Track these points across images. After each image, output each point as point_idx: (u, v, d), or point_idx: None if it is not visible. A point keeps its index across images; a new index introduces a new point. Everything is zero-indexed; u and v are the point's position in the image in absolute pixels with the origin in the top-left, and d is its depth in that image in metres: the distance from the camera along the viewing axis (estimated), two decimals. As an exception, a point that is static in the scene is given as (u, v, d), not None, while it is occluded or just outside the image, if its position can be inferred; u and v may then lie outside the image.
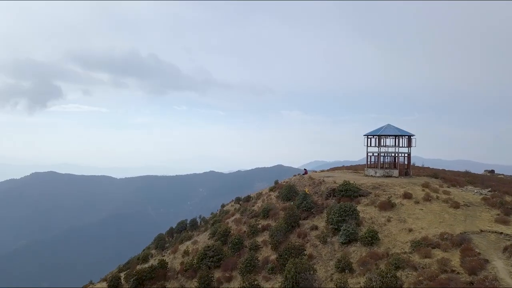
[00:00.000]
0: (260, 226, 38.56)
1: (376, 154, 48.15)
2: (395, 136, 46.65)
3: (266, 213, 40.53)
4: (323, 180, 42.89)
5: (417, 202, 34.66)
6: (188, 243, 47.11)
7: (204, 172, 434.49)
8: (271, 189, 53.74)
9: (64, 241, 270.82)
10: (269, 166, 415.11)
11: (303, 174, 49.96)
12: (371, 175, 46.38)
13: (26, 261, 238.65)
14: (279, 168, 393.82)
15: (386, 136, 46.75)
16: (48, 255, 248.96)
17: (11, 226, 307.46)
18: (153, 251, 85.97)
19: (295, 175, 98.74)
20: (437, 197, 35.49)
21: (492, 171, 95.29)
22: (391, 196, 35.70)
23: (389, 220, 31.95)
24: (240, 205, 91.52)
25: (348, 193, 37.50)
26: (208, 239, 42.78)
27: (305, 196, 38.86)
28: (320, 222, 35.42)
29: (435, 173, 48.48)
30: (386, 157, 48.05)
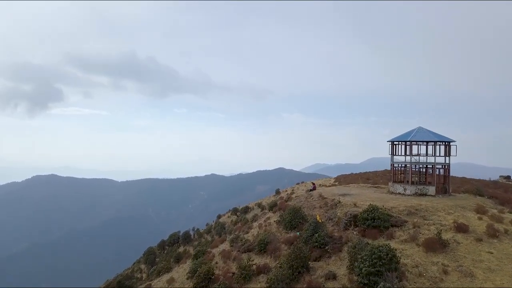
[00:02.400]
0: (254, 266, 27.24)
1: (404, 165, 36.88)
2: (429, 142, 35.34)
3: (263, 246, 29.21)
4: (339, 201, 31.52)
5: (479, 240, 23.34)
6: (165, 279, 35.89)
7: (206, 175, 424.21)
8: (271, 208, 42.60)
9: (65, 244, 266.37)
10: (270, 169, 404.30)
11: (311, 190, 38.55)
12: (399, 193, 35.06)
13: (27, 264, 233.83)
14: (281, 171, 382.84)
15: (418, 142, 35.44)
16: (49, 258, 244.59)
17: (12, 229, 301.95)
18: (142, 266, 75.61)
19: (298, 183, 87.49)
20: (506, 231, 24.19)
21: (508, 177, 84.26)
22: (440, 230, 24.34)
23: (445, 272, 20.60)
24: (238, 216, 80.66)
25: (377, 222, 26.18)
26: (187, 279, 31.55)
27: (316, 225, 27.56)
28: (339, 266, 24.07)
29: (478, 189, 37.09)
30: (417, 169, 36.77)
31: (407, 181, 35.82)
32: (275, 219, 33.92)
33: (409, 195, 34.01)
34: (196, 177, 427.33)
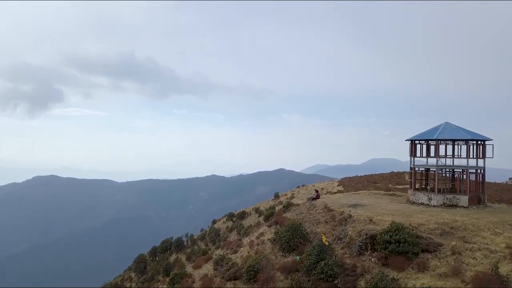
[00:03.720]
0: (240, 303, 20.33)
1: (426, 168, 29.87)
2: (458, 141, 28.35)
3: (253, 274, 22.21)
4: (350, 215, 24.49)
5: (551, 276, 16.36)
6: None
7: (206, 176, 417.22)
8: (266, 218, 35.53)
9: (65, 245, 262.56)
10: (271, 169, 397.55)
11: (313, 198, 31.47)
12: (422, 203, 28.03)
13: (27, 264, 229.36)
14: (281, 172, 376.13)
15: (444, 141, 28.45)
16: (49, 259, 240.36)
17: (12, 229, 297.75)
18: (132, 274, 70.63)
19: (298, 187, 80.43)
20: None
21: (518, 179, 77.74)
22: (496, 261, 17.35)
23: (516, 330, 13.66)
24: (233, 222, 74.00)
25: (403, 247, 19.18)
26: (158, 312, 24.67)
27: (321, 249, 20.60)
28: (355, 311, 17.12)
29: (516, 198, 30.05)
30: (443, 174, 29.78)
31: (431, 189, 28.81)
32: (270, 237, 26.78)
33: (435, 206, 27.00)
34: (196, 177, 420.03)
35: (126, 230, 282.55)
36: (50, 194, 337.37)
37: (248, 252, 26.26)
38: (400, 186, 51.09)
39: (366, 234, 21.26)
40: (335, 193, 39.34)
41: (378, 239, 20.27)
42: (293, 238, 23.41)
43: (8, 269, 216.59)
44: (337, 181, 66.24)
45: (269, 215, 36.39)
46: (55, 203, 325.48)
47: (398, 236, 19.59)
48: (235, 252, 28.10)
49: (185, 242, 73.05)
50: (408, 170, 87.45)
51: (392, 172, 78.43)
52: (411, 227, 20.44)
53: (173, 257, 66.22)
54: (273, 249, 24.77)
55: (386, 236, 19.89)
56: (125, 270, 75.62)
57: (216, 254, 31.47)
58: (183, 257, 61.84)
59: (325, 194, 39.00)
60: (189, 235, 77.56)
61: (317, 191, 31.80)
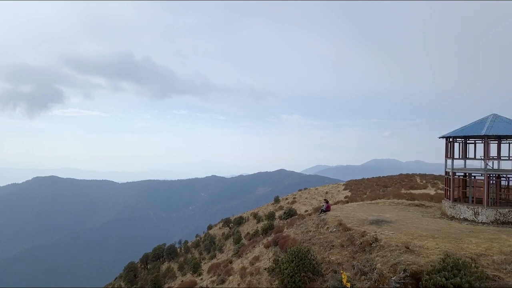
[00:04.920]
0: None
1: (465, 173, 23.06)
2: (509, 138, 21.57)
3: (243, 324, 15.52)
4: (375, 238, 17.60)
5: None
6: None
7: (206, 177, 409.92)
8: (264, 231, 28.69)
9: (65, 246, 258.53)
10: (271, 170, 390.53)
11: (323, 211, 24.55)
12: (466, 218, 21.19)
13: (27, 266, 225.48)
14: (282, 172, 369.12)
15: (493, 138, 21.66)
16: (49, 260, 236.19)
17: (12, 230, 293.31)
18: (122, 283, 65.64)
19: (300, 190, 73.75)
20: None
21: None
22: None
23: None
24: (230, 228, 68.11)
25: (467, 296, 12.45)
26: None
27: (341, 293, 13.80)
28: None
29: None
30: (493, 180, 22.92)
31: (476, 200, 21.96)
32: (268, 265, 19.77)
33: (484, 223, 20.16)
34: (197, 178, 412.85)
35: (126, 231, 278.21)
36: (50, 194, 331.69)
37: (239, 284, 19.35)
38: (416, 192, 44.36)
39: (405, 271, 14.44)
40: (346, 201, 32.38)
41: (426, 280, 13.45)
42: (298, 271, 16.49)
43: (8, 270, 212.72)
44: (343, 184, 59.37)
45: (267, 228, 29.61)
46: (55, 204, 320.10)
47: (457, 278, 12.80)
48: (223, 281, 21.16)
49: (178, 250, 68.15)
50: (416, 172, 79.85)
51: (401, 174, 71.60)
52: (474, 263, 13.64)
53: (165, 266, 62.40)
54: (271, 283, 17.81)
55: (439, 278, 13.07)
56: (115, 278, 70.70)
57: (201, 279, 24.71)
58: (175, 266, 58.34)
59: (334, 204, 32.03)
60: (182, 242, 72.06)
61: (327, 201, 24.78)
